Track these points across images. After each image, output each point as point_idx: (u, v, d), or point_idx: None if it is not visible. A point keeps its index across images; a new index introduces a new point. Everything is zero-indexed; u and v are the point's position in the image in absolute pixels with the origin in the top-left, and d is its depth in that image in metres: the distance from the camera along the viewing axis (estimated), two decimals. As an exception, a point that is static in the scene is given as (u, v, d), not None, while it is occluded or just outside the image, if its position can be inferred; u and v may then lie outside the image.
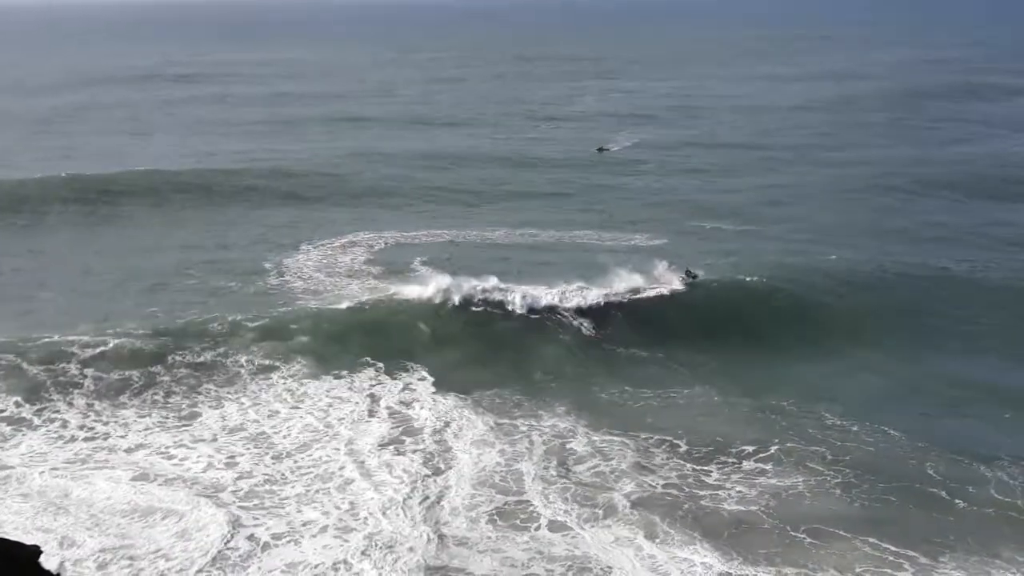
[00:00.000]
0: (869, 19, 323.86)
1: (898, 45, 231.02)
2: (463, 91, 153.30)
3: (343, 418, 40.40)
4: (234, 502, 33.85)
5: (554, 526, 32.71)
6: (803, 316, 51.17)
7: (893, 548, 31.11)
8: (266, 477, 35.74)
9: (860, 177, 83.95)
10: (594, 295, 52.03)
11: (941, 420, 40.03)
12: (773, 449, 37.19)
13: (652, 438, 38.50)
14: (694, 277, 54.76)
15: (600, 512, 33.47)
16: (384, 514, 33.17)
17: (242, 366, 44.91)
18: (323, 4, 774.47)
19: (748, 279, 54.59)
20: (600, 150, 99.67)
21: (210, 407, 41.52)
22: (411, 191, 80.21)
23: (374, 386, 43.31)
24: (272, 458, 37.06)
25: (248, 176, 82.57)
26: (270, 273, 57.30)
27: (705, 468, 36.23)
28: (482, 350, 46.91)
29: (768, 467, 36.26)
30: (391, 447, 37.90)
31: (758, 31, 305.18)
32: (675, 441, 38.19)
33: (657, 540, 31.77)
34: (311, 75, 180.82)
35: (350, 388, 43.25)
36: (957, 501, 33.79)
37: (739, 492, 34.57)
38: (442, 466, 36.43)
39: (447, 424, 39.77)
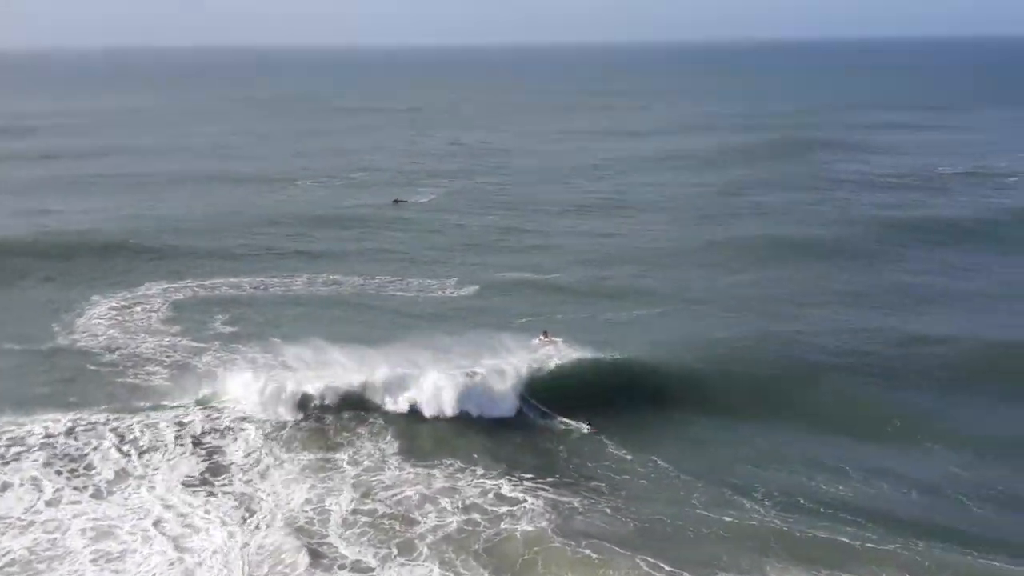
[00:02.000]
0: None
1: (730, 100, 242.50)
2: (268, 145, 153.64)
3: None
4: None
5: (357, 567, 33.79)
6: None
7: (668, 567, 33.42)
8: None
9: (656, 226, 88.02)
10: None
11: (709, 454, 43.06)
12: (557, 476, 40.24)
13: (455, 464, 40.86)
14: None
15: (396, 551, 34.69)
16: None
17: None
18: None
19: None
20: (396, 202, 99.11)
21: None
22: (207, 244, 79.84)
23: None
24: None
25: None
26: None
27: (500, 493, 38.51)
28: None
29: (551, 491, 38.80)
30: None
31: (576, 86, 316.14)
32: (473, 467, 40.55)
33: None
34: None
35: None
36: (726, 519, 36.69)
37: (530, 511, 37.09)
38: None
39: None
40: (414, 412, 45.35)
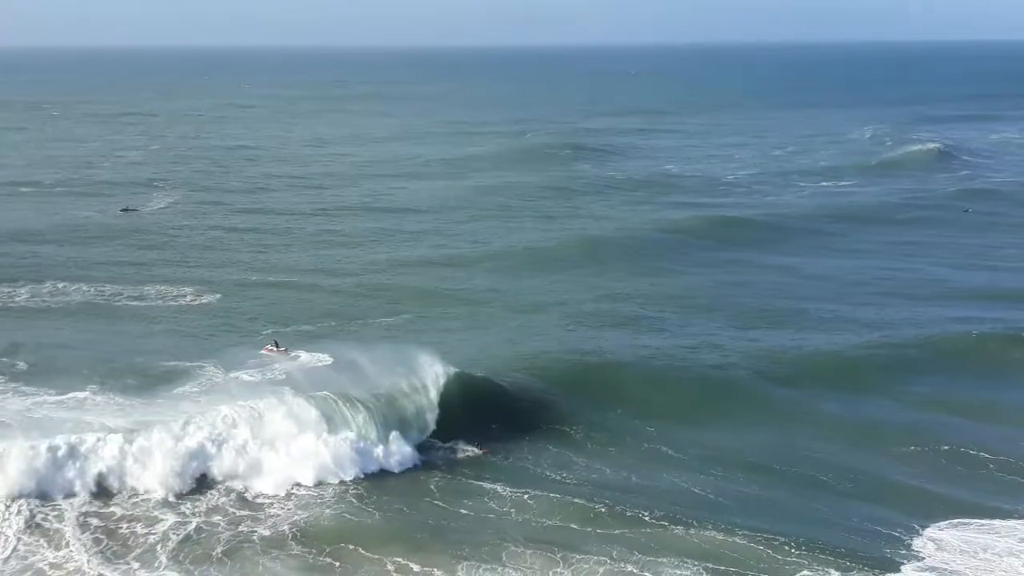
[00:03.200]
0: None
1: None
2: None
3: None
4: None
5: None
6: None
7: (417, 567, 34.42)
8: None
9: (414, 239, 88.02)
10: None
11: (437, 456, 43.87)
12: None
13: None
14: None
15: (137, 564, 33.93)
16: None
17: None
18: None
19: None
20: (125, 210, 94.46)
21: None
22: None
23: None
24: None
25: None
26: None
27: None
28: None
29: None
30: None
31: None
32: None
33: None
34: None
35: None
36: (459, 511, 38.06)
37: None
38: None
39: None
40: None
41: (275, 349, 52.97)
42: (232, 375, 49.05)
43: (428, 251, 79.87)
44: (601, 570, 34.03)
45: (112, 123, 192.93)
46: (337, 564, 34.56)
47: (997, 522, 37.00)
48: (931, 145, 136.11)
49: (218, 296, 65.32)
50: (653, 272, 72.29)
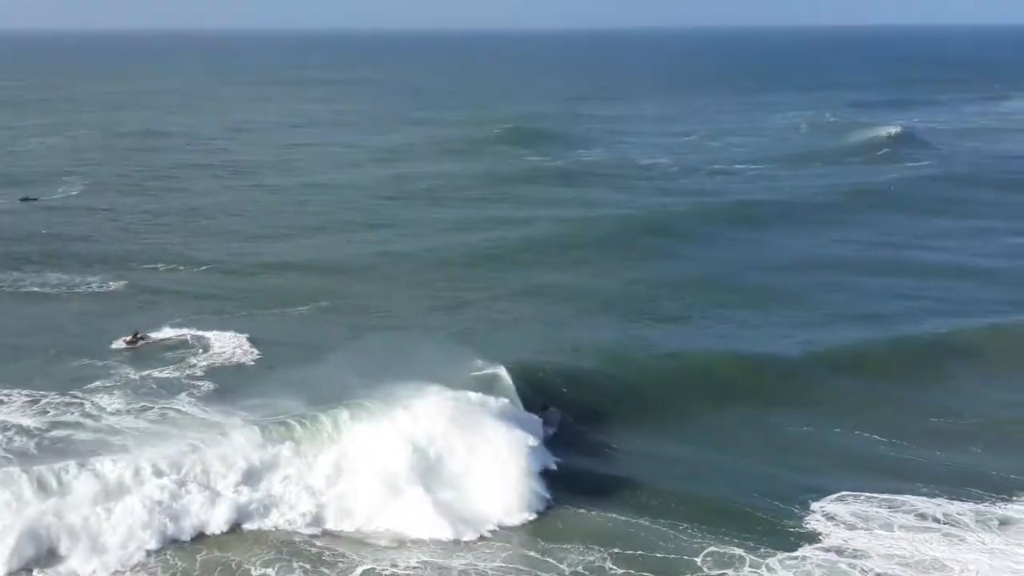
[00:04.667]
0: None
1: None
2: None
3: None
4: None
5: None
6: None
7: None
8: None
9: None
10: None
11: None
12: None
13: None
14: None
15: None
16: None
17: None
18: None
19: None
20: (25, 200, 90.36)
21: None
22: None
23: None
24: None
25: None
26: None
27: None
28: None
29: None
30: None
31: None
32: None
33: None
34: None
35: None
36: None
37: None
38: None
39: None
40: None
41: (135, 340, 50.09)
42: (144, 373, 46.97)
43: (354, 242, 78.51)
44: (503, 555, 33.83)
45: (25, 109, 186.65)
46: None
47: (892, 496, 37.78)
48: (891, 130, 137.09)
49: (124, 283, 63.76)
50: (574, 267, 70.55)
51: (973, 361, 51.93)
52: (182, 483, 35.53)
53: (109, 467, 35.18)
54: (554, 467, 38.50)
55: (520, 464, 36.80)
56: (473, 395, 39.74)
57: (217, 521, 34.68)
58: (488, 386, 42.03)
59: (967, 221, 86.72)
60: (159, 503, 34.50)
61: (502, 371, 43.39)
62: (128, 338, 50.62)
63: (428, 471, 36.77)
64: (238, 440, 37.45)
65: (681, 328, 57.59)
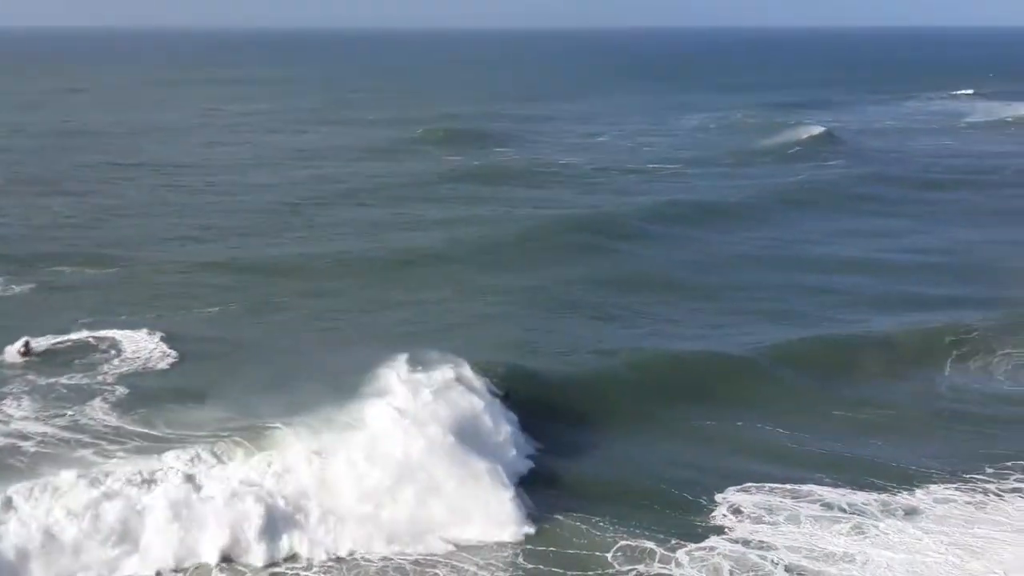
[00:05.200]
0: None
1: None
2: None
3: None
4: None
5: None
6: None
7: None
8: None
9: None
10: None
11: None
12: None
13: None
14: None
15: None
16: None
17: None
18: None
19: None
20: None
21: None
22: None
23: None
24: None
25: None
26: None
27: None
28: None
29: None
30: None
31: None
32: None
33: None
34: None
35: None
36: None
37: None
38: None
39: None
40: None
41: (26, 351, 47.22)
42: (51, 380, 45.30)
43: (272, 243, 77.42)
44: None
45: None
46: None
47: (797, 487, 38.88)
48: (804, 130, 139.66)
49: (31, 286, 62.24)
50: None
51: (879, 355, 53.27)
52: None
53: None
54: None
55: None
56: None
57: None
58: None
59: (873, 220, 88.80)
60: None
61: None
62: (20, 348, 47.68)
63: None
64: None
65: (600, 325, 58.30)
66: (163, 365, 48.33)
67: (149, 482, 34.28)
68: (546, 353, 52.16)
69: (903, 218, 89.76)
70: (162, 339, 51.09)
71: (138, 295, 60.90)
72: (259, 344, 51.36)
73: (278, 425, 37.78)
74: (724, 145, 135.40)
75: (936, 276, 69.37)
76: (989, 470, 40.33)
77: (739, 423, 45.59)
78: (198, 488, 34.34)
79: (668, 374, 50.09)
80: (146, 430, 39.32)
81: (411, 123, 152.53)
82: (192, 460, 35.57)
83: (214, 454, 36.05)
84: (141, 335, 51.65)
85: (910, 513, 36.97)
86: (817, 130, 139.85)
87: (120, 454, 36.87)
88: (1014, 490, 38.81)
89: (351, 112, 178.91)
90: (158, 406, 41.66)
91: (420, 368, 41.48)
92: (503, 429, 39.67)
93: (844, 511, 37.04)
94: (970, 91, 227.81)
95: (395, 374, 40.57)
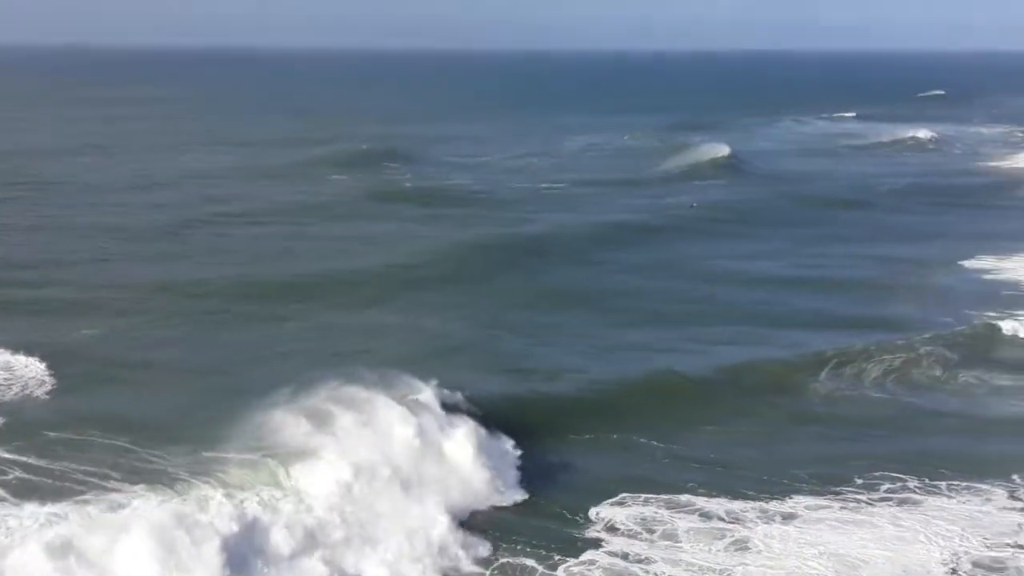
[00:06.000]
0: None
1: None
2: None
3: None
4: None
5: None
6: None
7: None
8: None
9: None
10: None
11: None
12: None
13: None
14: None
15: None
16: None
17: None
18: None
19: None
20: None
21: None
22: None
23: None
24: None
25: None
26: None
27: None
28: None
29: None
30: None
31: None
32: None
33: None
34: None
35: None
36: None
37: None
38: None
39: None
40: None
41: None
42: None
43: (153, 268, 74.73)
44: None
45: None
46: None
47: (674, 496, 39.63)
48: (697, 152, 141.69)
49: None
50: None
51: (751, 370, 54.50)
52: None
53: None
54: None
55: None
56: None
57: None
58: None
59: (749, 244, 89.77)
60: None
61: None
62: None
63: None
64: None
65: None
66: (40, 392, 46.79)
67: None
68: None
69: (775, 241, 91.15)
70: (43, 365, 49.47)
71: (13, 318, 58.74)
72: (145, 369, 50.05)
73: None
74: (615, 167, 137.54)
75: (811, 293, 71.66)
76: (859, 481, 41.30)
77: (614, 436, 46.12)
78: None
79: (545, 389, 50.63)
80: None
81: (302, 143, 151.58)
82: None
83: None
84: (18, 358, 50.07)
85: (788, 518, 37.79)
86: (715, 152, 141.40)
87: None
88: (883, 499, 39.79)
89: (243, 133, 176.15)
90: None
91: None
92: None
93: (723, 520, 37.68)
94: (852, 113, 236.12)
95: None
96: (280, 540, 33.22)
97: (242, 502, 34.23)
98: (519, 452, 41.39)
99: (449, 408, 41.83)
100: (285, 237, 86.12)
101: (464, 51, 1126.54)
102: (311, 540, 33.72)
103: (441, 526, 35.17)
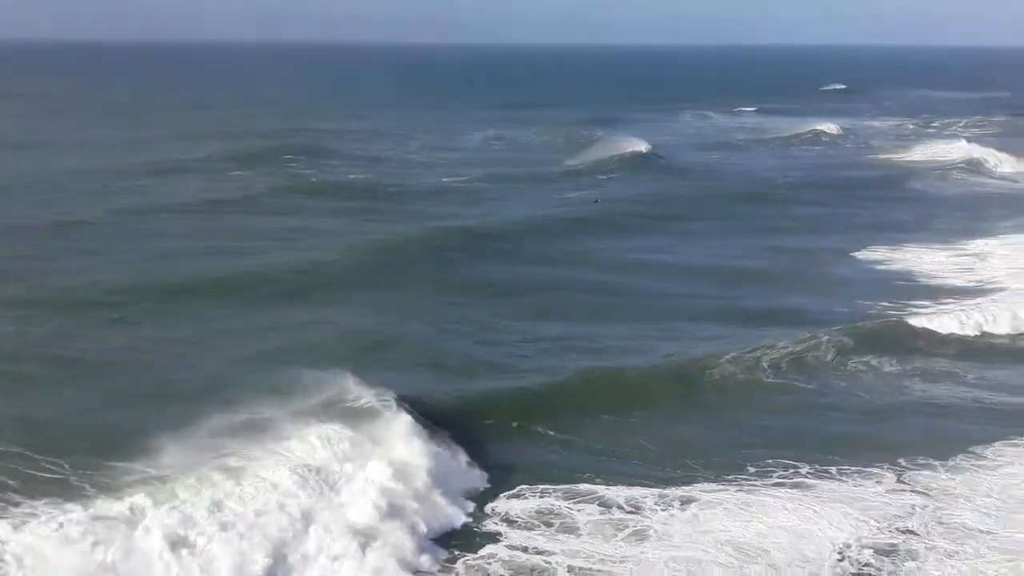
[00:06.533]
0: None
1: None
2: None
3: None
4: None
5: None
6: None
7: None
8: None
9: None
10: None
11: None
12: None
13: None
14: None
15: None
16: None
17: None
18: None
19: None
20: None
21: None
22: None
23: None
24: None
25: None
26: None
27: None
28: None
29: None
30: None
31: None
32: None
33: None
34: None
35: None
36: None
37: None
38: None
39: None
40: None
41: None
42: None
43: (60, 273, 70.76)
44: None
45: None
46: None
47: (572, 487, 39.94)
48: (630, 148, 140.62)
49: None
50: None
51: (648, 363, 55.12)
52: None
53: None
54: None
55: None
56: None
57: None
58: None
59: (648, 238, 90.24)
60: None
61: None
62: None
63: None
64: None
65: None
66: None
67: None
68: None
69: (674, 235, 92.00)
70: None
71: None
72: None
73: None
74: (522, 161, 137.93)
75: (706, 284, 73.05)
76: (752, 469, 42.14)
77: (512, 426, 46.41)
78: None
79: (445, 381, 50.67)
80: None
81: (200, 138, 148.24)
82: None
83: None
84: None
85: (687, 502, 38.52)
86: (621, 147, 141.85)
87: None
88: (776, 484, 40.69)
89: (133, 129, 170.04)
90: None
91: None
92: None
93: (622, 508, 38.13)
94: (753, 108, 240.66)
95: None
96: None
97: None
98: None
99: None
100: (185, 235, 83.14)
101: (399, 44, 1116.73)
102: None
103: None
